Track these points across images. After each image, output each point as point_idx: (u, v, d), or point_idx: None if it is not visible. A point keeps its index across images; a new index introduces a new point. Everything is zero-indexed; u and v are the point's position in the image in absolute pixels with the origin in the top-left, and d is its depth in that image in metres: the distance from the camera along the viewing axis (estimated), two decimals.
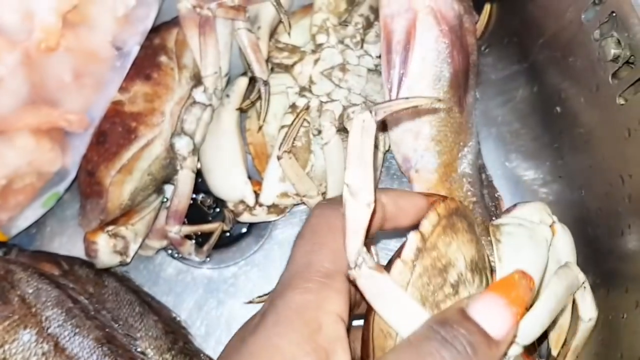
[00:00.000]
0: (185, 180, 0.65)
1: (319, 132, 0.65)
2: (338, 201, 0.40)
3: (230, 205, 0.67)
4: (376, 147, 0.66)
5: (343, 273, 0.38)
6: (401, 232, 0.44)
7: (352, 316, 0.41)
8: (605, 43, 0.53)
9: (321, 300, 0.36)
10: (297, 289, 0.37)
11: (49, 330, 0.55)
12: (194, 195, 0.70)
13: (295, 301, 0.36)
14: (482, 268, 0.44)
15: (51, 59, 0.57)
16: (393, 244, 0.69)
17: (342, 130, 0.65)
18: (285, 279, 0.39)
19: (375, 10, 0.68)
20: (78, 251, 0.66)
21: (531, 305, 0.43)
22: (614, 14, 0.52)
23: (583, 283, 0.55)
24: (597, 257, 0.61)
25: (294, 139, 0.63)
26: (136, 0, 0.62)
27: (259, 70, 0.65)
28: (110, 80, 0.62)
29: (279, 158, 0.63)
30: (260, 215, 0.67)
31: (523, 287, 0.37)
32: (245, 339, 0.37)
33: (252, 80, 0.67)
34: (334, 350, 0.35)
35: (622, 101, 0.53)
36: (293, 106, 0.66)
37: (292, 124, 0.63)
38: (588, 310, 0.57)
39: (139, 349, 0.60)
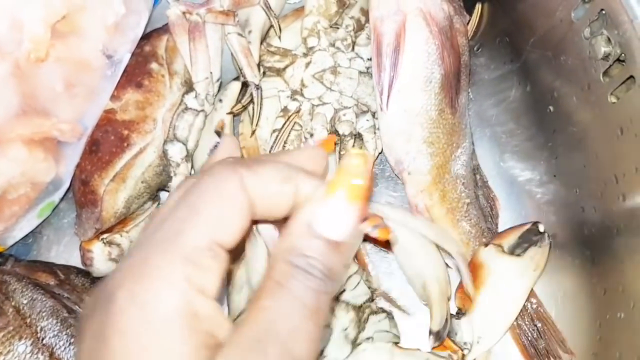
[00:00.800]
0: None
1: (311, 135, 0.65)
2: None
3: None
4: (368, 149, 0.66)
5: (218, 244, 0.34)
6: None
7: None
8: (596, 41, 0.53)
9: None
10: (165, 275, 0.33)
11: (44, 341, 0.55)
12: None
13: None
14: None
15: (41, 69, 0.57)
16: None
17: (334, 133, 0.65)
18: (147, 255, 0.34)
19: (366, 12, 0.67)
20: (75, 260, 0.66)
21: None
22: (604, 12, 0.52)
23: None
24: (592, 256, 0.61)
25: (285, 143, 0.63)
26: (126, 8, 0.62)
27: (251, 75, 0.65)
28: (102, 89, 0.62)
29: None
30: None
31: (357, 173, 0.34)
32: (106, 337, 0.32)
33: (245, 85, 0.67)
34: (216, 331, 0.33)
35: (614, 99, 0.53)
36: (285, 110, 0.66)
37: (282, 128, 0.63)
38: None
39: None
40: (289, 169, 0.36)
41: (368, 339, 0.58)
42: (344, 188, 0.33)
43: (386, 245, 0.63)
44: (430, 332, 0.61)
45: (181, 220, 0.33)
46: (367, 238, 0.62)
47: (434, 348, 0.61)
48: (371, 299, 0.61)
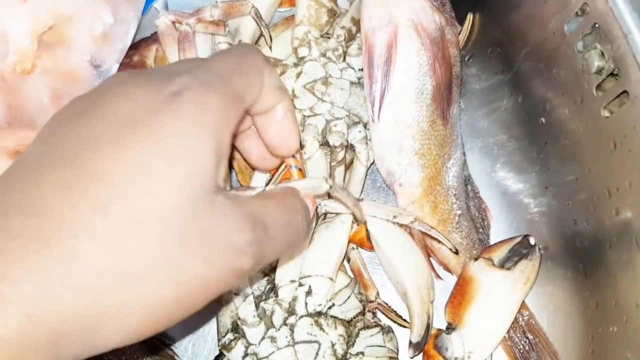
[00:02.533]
0: None
1: (302, 146, 0.64)
2: None
3: None
4: (359, 161, 0.65)
5: None
6: None
7: None
8: (589, 55, 0.53)
9: None
10: None
11: None
12: None
13: None
14: None
15: (27, 81, 0.56)
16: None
17: (325, 144, 0.64)
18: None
19: (357, 22, 0.67)
20: None
21: None
22: (597, 26, 0.52)
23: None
24: (585, 269, 0.61)
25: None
26: (114, 18, 0.61)
27: None
28: None
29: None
30: None
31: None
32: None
33: None
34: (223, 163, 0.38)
35: (607, 113, 0.53)
36: None
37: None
38: None
39: None
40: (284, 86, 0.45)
41: (358, 354, 0.57)
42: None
43: (370, 246, 0.63)
44: (410, 343, 0.60)
45: (228, 66, 0.39)
46: (352, 240, 0.62)
47: None
48: (362, 313, 0.60)
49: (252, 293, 0.57)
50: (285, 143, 0.47)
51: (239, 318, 0.57)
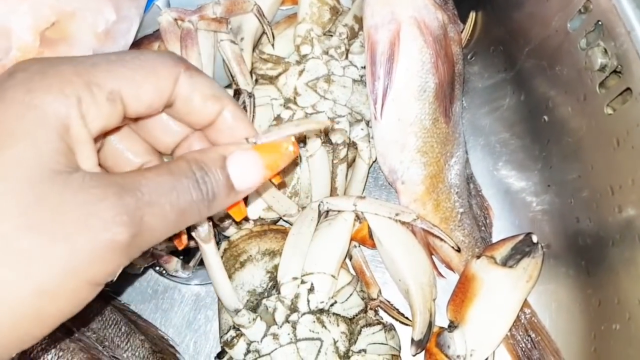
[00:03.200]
0: None
1: (304, 144, 0.64)
2: None
3: (215, 219, 0.66)
4: (361, 158, 0.65)
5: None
6: None
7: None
8: (592, 52, 0.53)
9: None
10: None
11: (32, 355, 0.54)
12: None
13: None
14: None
15: None
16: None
17: (328, 142, 0.64)
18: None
19: (359, 20, 0.67)
20: None
21: None
22: (600, 23, 0.52)
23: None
24: (587, 267, 0.61)
25: None
26: (117, 15, 0.60)
27: (243, 82, 0.65)
28: None
29: None
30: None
31: (285, 157, 0.40)
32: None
33: (237, 93, 0.66)
34: (80, 150, 0.35)
35: (610, 111, 0.53)
36: (278, 118, 0.65)
37: None
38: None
39: None
40: (219, 88, 0.41)
41: (360, 351, 0.57)
42: (267, 157, 0.39)
43: (372, 244, 0.62)
44: (412, 341, 0.60)
45: (106, 60, 0.36)
46: (354, 238, 0.62)
47: None
48: (364, 311, 0.60)
49: (243, 307, 0.57)
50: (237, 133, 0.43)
51: (238, 325, 0.57)
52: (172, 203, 0.36)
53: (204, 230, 0.51)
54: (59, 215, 0.32)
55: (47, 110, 0.33)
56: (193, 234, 0.52)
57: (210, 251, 0.53)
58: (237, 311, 0.56)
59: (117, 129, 0.42)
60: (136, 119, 0.42)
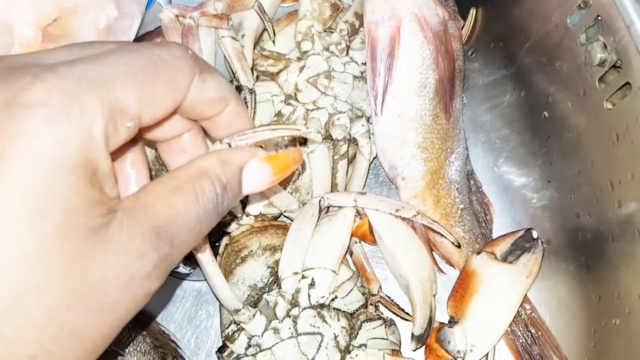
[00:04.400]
0: None
1: (305, 140, 0.64)
2: None
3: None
4: (362, 154, 0.65)
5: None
6: None
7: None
8: (592, 47, 0.53)
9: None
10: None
11: None
12: None
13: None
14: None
15: None
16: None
17: (328, 138, 0.64)
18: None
19: (360, 16, 0.67)
20: None
21: None
22: (600, 18, 0.52)
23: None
24: (587, 262, 0.61)
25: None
26: (118, 11, 0.61)
27: (244, 79, 0.65)
28: None
29: None
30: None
31: (294, 167, 0.42)
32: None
33: (238, 89, 0.66)
34: (106, 183, 0.32)
35: (609, 105, 0.53)
36: (279, 114, 0.66)
37: None
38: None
39: None
40: (227, 88, 0.40)
41: (360, 346, 0.57)
42: (278, 167, 0.40)
43: (372, 240, 0.63)
44: (412, 336, 0.60)
45: (126, 71, 0.33)
46: (355, 234, 0.62)
47: (427, 358, 0.61)
48: (365, 306, 0.61)
49: (244, 302, 0.57)
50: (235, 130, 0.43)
51: (238, 322, 0.57)
52: (196, 235, 0.36)
53: None
54: (101, 285, 0.31)
55: (75, 159, 0.30)
56: None
57: (205, 259, 0.53)
58: (237, 311, 0.56)
59: None
60: None
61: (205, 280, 0.69)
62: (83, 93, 0.30)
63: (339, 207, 0.61)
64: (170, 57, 0.35)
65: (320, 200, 0.61)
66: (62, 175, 0.29)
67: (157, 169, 0.64)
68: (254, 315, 0.56)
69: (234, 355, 0.57)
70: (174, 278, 0.69)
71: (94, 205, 0.30)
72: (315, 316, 0.57)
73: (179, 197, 0.34)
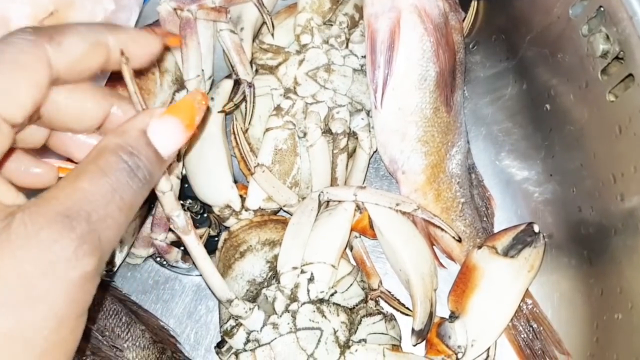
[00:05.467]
0: None
1: (305, 134, 0.64)
2: None
3: (216, 210, 0.66)
4: (362, 148, 0.65)
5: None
6: None
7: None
8: (594, 39, 0.53)
9: None
10: None
11: None
12: (182, 202, 0.68)
13: None
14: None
15: None
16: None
17: (328, 132, 0.64)
18: None
19: (360, 9, 0.66)
20: None
21: None
22: (602, 9, 0.51)
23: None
24: (589, 256, 0.60)
25: (253, 154, 0.64)
26: (116, 4, 0.60)
27: (243, 72, 0.64)
28: None
29: (251, 173, 0.62)
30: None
31: (199, 110, 0.39)
32: None
33: (237, 83, 0.66)
34: None
35: (612, 98, 0.53)
36: (278, 108, 0.65)
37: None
38: None
39: None
40: (95, 32, 0.38)
41: (360, 341, 0.57)
42: (183, 115, 0.38)
43: (372, 234, 0.62)
44: (413, 331, 0.60)
45: None
46: (355, 228, 0.62)
47: (428, 353, 0.60)
48: (365, 301, 0.60)
49: (236, 297, 0.57)
50: (140, 52, 0.41)
51: (235, 316, 0.57)
52: (119, 205, 0.34)
53: (181, 221, 0.50)
54: (22, 280, 0.31)
55: None
56: (171, 226, 0.51)
57: (191, 242, 0.52)
58: (229, 301, 0.56)
59: None
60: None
61: None
62: None
63: (339, 201, 0.61)
64: (6, 44, 0.34)
65: (319, 195, 0.61)
66: None
67: None
68: (250, 309, 0.56)
69: (233, 351, 0.57)
70: (174, 273, 0.69)
71: None
72: (314, 311, 0.57)
73: (84, 179, 0.34)
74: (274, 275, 0.59)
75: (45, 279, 0.31)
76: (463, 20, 0.67)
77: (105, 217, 0.33)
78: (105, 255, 0.33)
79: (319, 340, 0.56)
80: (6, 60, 0.34)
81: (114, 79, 0.60)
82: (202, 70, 0.64)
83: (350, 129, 0.65)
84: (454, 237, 0.62)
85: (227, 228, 0.65)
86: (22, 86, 0.34)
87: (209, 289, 0.57)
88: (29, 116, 0.35)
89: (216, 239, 0.68)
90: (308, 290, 0.57)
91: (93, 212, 0.33)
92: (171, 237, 0.65)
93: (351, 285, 0.59)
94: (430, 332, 0.60)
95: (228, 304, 0.56)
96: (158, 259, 0.69)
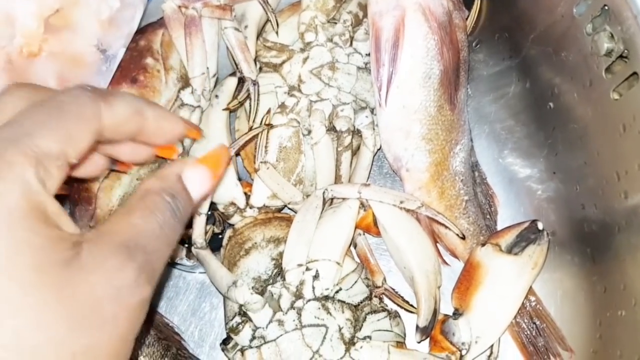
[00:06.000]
0: None
1: (309, 132, 0.64)
2: None
3: (220, 207, 0.66)
4: (366, 146, 0.65)
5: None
6: None
7: None
8: (598, 37, 0.53)
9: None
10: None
11: None
12: None
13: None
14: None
15: (34, 64, 0.56)
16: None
17: (332, 129, 0.64)
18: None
19: (364, 7, 0.67)
20: None
21: None
22: (607, 8, 0.51)
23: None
24: (593, 254, 0.60)
25: (266, 148, 0.63)
26: (120, 2, 0.61)
27: (248, 70, 0.64)
28: (97, 84, 0.61)
29: (256, 170, 0.62)
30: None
31: (224, 162, 0.46)
32: None
33: (241, 81, 0.66)
34: (62, 222, 0.36)
35: (616, 96, 0.53)
36: (282, 106, 0.65)
37: (259, 135, 0.64)
38: None
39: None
40: (139, 102, 0.43)
41: (365, 338, 0.57)
42: (211, 165, 0.44)
43: (377, 232, 0.63)
44: (417, 328, 0.60)
45: (36, 123, 0.36)
46: (359, 226, 0.62)
47: (432, 350, 0.60)
48: (369, 298, 0.60)
49: (242, 278, 0.57)
50: (167, 130, 0.45)
51: (241, 305, 0.57)
52: (165, 240, 0.38)
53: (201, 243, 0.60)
54: (87, 299, 0.33)
55: (22, 206, 0.33)
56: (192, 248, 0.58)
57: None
58: (235, 283, 0.57)
59: None
60: None
61: None
62: (5, 152, 0.34)
63: (343, 198, 0.61)
64: (70, 97, 0.39)
65: (324, 192, 0.61)
66: (16, 222, 0.32)
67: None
68: (253, 293, 0.57)
69: (239, 348, 0.57)
70: (178, 270, 0.69)
71: (57, 241, 0.33)
72: (319, 308, 0.57)
73: (135, 216, 0.38)
74: (279, 272, 0.59)
75: (113, 303, 0.34)
76: (466, 19, 0.67)
77: (156, 250, 0.37)
78: (154, 286, 0.37)
79: (324, 337, 0.56)
80: (72, 110, 0.38)
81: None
82: (207, 67, 0.64)
83: (354, 127, 0.65)
84: (457, 235, 0.62)
85: (231, 225, 0.65)
86: (82, 134, 0.38)
87: (215, 287, 0.58)
88: (80, 158, 0.39)
89: (220, 236, 0.68)
90: (313, 287, 0.57)
91: (147, 245, 0.37)
92: None
93: (356, 282, 0.59)
94: (434, 329, 0.61)
95: (234, 287, 0.56)
96: None
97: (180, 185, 0.41)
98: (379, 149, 0.66)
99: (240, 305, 0.58)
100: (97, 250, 0.34)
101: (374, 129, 0.65)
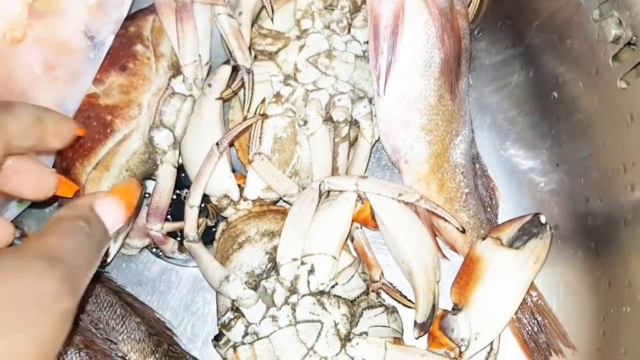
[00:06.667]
0: (165, 175, 0.63)
1: (305, 122, 0.62)
2: None
3: (213, 199, 0.65)
4: (364, 137, 0.64)
5: None
6: None
7: None
8: (606, 23, 0.52)
9: None
10: None
11: None
12: (178, 191, 0.67)
13: None
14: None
15: (18, 50, 0.55)
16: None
17: (329, 120, 0.63)
18: None
19: None
20: None
21: None
22: None
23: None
24: (597, 248, 0.60)
25: (261, 139, 0.62)
26: None
27: (242, 58, 0.63)
28: (84, 72, 0.59)
29: (250, 162, 0.61)
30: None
31: (135, 195, 0.47)
32: None
33: (235, 69, 0.65)
34: None
35: (623, 85, 0.52)
36: (277, 95, 0.64)
37: (254, 125, 0.62)
38: None
39: (120, 354, 0.58)
40: (37, 108, 0.45)
41: (361, 334, 0.56)
42: (121, 195, 0.45)
43: (374, 225, 0.61)
44: (415, 324, 0.59)
45: None
46: (356, 219, 0.61)
47: (430, 346, 0.59)
48: (366, 293, 0.59)
49: (235, 273, 0.56)
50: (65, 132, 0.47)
51: (233, 300, 0.56)
52: (86, 259, 0.39)
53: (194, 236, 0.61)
54: (15, 306, 0.34)
55: None
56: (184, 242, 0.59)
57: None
58: (227, 277, 0.56)
59: None
60: None
61: None
62: None
63: (340, 191, 0.60)
64: None
65: (320, 184, 0.60)
66: None
67: (149, 152, 0.62)
68: (244, 289, 0.55)
69: (231, 344, 0.56)
70: (170, 264, 0.68)
71: None
72: (314, 303, 0.56)
73: (52, 236, 0.39)
74: (274, 266, 0.58)
75: (36, 308, 0.34)
76: (468, 5, 0.66)
77: (77, 266, 0.38)
78: (77, 301, 0.37)
79: (320, 333, 0.55)
80: None
81: None
82: (199, 55, 0.62)
83: (352, 117, 0.63)
84: (457, 228, 0.61)
85: (225, 218, 0.64)
86: None
87: (207, 281, 0.57)
88: None
89: (214, 229, 0.67)
90: (308, 282, 0.56)
91: (67, 259, 0.37)
92: (167, 227, 0.64)
93: (352, 277, 0.58)
94: (433, 325, 0.60)
95: (226, 282, 0.55)
96: (154, 249, 0.68)
97: (93, 214, 0.43)
98: (377, 140, 0.65)
99: (233, 301, 0.56)
100: (17, 257, 0.36)
101: (372, 119, 0.64)
